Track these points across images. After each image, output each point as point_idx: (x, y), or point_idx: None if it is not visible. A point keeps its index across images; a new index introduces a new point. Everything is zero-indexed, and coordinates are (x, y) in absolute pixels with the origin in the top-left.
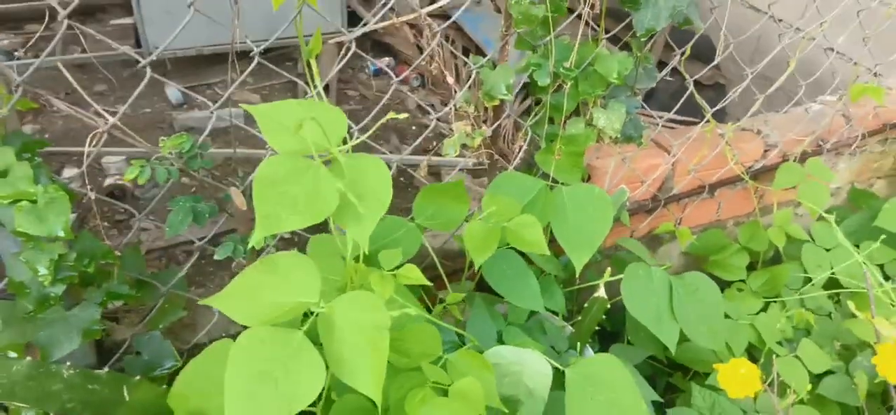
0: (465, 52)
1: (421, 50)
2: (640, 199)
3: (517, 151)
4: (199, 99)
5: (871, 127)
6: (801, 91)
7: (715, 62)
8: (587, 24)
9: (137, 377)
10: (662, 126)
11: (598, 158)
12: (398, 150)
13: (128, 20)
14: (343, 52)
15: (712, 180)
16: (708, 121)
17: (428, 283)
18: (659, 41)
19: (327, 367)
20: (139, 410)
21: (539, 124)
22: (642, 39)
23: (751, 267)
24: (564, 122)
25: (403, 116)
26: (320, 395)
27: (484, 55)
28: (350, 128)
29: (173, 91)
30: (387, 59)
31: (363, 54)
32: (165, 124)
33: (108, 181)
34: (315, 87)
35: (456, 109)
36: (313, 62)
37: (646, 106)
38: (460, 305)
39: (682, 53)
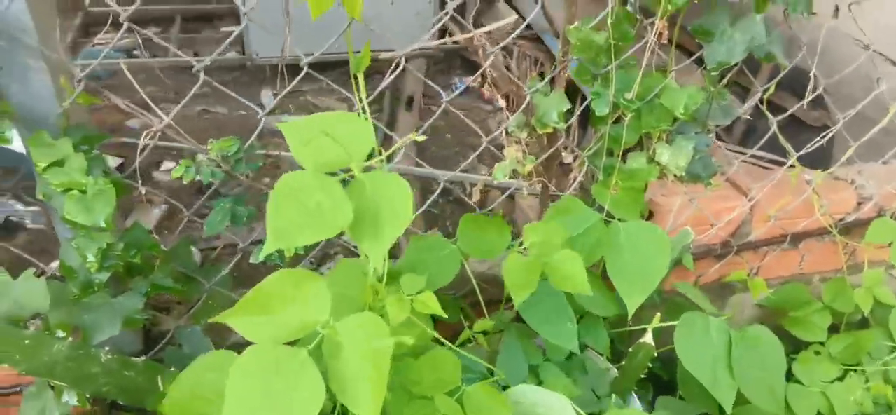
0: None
1: (508, 69)
2: (710, 242)
3: (572, 181)
4: (289, 105)
5: None
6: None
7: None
8: (658, 50)
9: (173, 369)
10: (755, 165)
11: (663, 195)
12: (475, 169)
13: (237, 28)
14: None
15: (796, 230)
16: (792, 165)
17: (444, 314)
18: (763, 72)
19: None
20: None
21: (597, 155)
22: (713, 73)
23: (833, 329)
24: (624, 155)
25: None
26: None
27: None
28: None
29: (267, 96)
30: (471, 77)
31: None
32: (254, 127)
33: (199, 177)
34: (361, 100)
35: (508, 133)
36: (360, 76)
37: (719, 139)
38: (495, 335)
39: (765, 90)
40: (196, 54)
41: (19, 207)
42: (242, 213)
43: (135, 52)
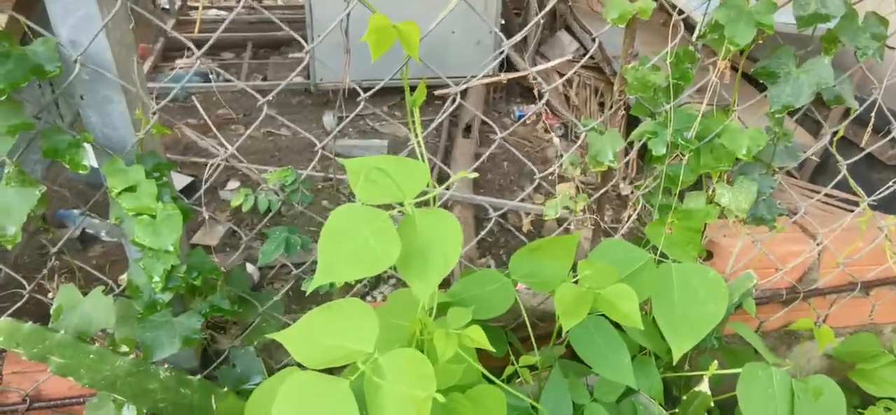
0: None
1: (568, 100)
2: (775, 287)
3: (626, 219)
4: (350, 130)
5: None
6: None
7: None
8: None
9: (225, 389)
10: (826, 204)
11: (724, 236)
12: (531, 198)
13: (302, 54)
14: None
15: (867, 278)
16: (863, 210)
17: (491, 348)
18: (836, 110)
19: None
20: None
21: (653, 194)
22: (777, 116)
23: None
24: (681, 194)
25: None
26: None
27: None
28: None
29: (329, 119)
30: (533, 106)
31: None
32: (317, 149)
33: (263, 197)
34: (416, 134)
35: (561, 171)
36: (416, 111)
37: (790, 174)
38: (543, 372)
39: (835, 133)
40: (264, 78)
41: (96, 220)
42: (296, 242)
43: (210, 77)
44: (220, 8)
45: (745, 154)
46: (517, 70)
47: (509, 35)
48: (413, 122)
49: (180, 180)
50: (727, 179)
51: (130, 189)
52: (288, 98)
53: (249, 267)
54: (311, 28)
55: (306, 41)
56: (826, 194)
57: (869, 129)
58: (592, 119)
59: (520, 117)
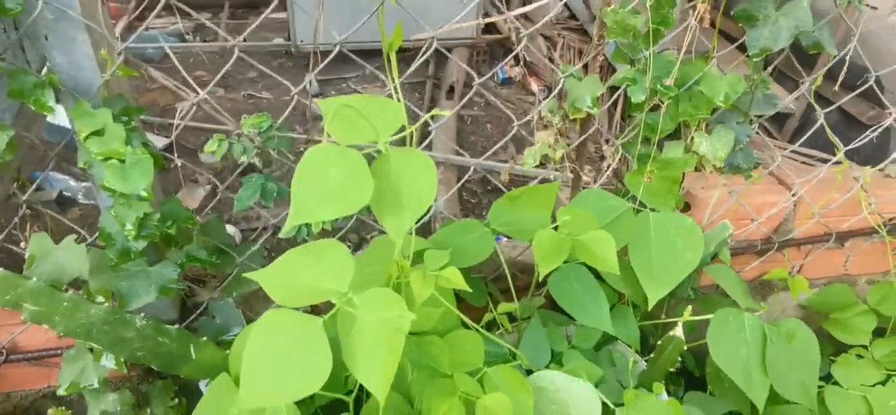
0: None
1: (553, 62)
2: (750, 238)
3: (605, 168)
4: (331, 92)
5: None
6: None
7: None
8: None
9: (204, 338)
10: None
11: (702, 188)
12: (514, 159)
13: (282, 14)
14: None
15: (842, 228)
16: (839, 161)
17: (468, 288)
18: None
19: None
20: (203, 368)
21: (632, 143)
22: (757, 60)
23: (878, 333)
24: (660, 143)
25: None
26: (354, 390)
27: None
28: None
29: (312, 82)
30: (517, 68)
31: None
32: (299, 111)
33: (243, 159)
34: (393, 80)
35: (541, 118)
36: (393, 56)
37: (770, 135)
38: (523, 322)
39: (813, 81)
40: (244, 39)
41: (72, 183)
42: (272, 189)
43: (186, 37)
44: None
45: (724, 100)
46: (499, 32)
47: None
48: (389, 67)
49: (157, 142)
50: (705, 128)
51: (98, 133)
52: (268, 60)
53: (231, 228)
54: None
55: (287, 2)
56: (805, 153)
57: (840, 78)
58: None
59: (504, 80)
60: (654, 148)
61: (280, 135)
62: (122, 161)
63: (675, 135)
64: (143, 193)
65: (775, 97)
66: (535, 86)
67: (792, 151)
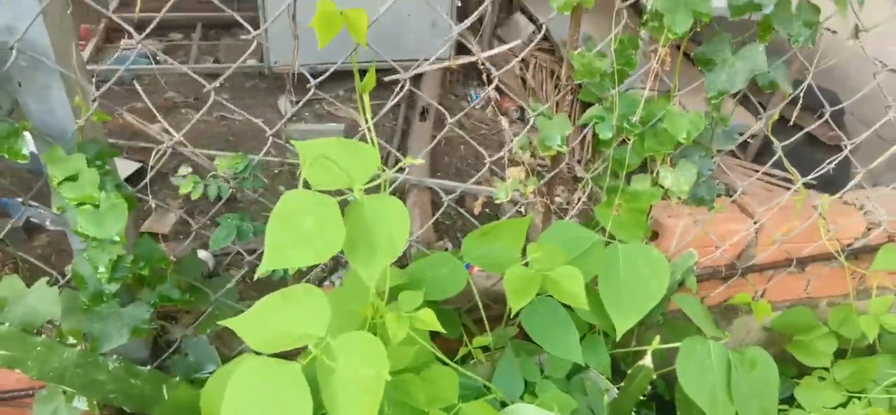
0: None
1: (525, 82)
2: (715, 264)
3: (576, 201)
4: (305, 113)
5: None
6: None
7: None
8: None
9: (177, 378)
10: (769, 184)
11: (669, 216)
12: (490, 182)
13: (255, 35)
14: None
15: (802, 254)
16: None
17: (442, 329)
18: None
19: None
20: (175, 409)
21: (601, 177)
22: (714, 101)
23: (840, 354)
24: (628, 177)
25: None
26: None
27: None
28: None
29: (284, 103)
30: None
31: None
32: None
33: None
34: (366, 120)
35: (511, 155)
36: (366, 97)
37: (734, 155)
38: (496, 352)
39: (770, 117)
40: (216, 61)
41: (41, 210)
42: (248, 229)
43: (158, 59)
44: None
45: (686, 138)
46: (471, 53)
47: (466, 16)
48: (363, 107)
49: (127, 166)
50: (670, 162)
51: (72, 178)
52: (241, 81)
53: (203, 254)
54: (263, 8)
55: (259, 22)
56: (768, 174)
57: (796, 110)
58: (546, 102)
59: (476, 100)
60: (623, 181)
61: (257, 173)
62: (96, 206)
63: (642, 167)
64: (117, 238)
65: (734, 133)
66: (507, 109)
67: (755, 170)
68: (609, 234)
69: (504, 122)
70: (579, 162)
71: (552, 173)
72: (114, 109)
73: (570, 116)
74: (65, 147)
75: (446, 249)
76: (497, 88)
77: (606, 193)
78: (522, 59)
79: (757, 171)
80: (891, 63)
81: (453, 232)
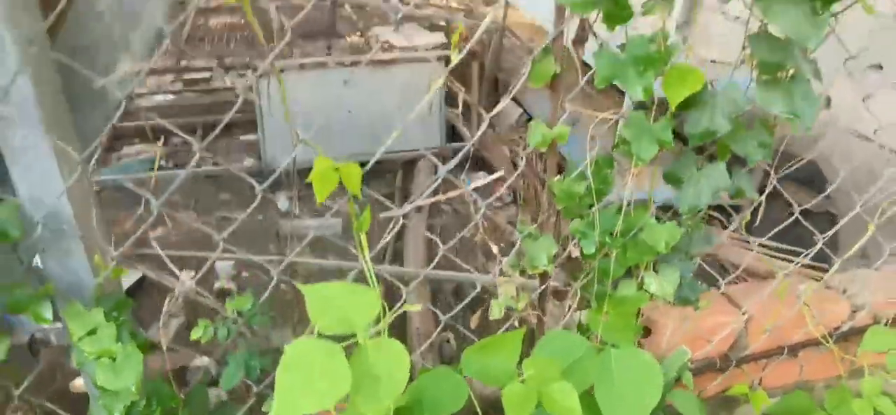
0: (559, 170)
1: (515, 166)
2: (710, 356)
3: (567, 309)
4: (303, 209)
5: None
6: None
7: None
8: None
9: None
10: (764, 254)
11: (659, 313)
12: (484, 267)
13: (253, 136)
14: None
15: (793, 341)
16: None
17: None
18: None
19: None
20: None
21: (589, 285)
22: (686, 215)
23: None
24: (615, 283)
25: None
26: None
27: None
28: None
29: (283, 201)
30: (482, 173)
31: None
32: (273, 231)
33: (217, 284)
34: (365, 261)
35: (502, 272)
36: (363, 238)
37: (723, 226)
38: None
39: (748, 213)
40: (216, 163)
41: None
42: (256, 365)
43: (161, 163)
44: (167, 92)
45: (664, 248)
46: (461, 139)
47: (452, 102)
48: (360, 244)
49: (129, 277)
50: (654, 267)
51: (91, 333)
52: (241, 182)
53: (206, 360)
54: (261, 114)
55: (257, 125)
56: (763, 246)
57: (769, 186)
58: (534, 192)
59: (469, 185)
60: (610, 288)
61: (261, 311)
62: (113, 359)
63: (627, 274)
64: (133, 388)
65: (711, 235)
66: (500, 195)
67: (743, 241)
68: (601, 339)
69: (478, 203)
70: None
71: (540, 289)
72: (116, 215)
73: (556, 226)
74: (84, 302)
75: (447, 341)
76: (489, 172)
77: (595, 299)
78: (512, 141)
79: (748, 242)
80: (865, 131)
81: (452, 320)
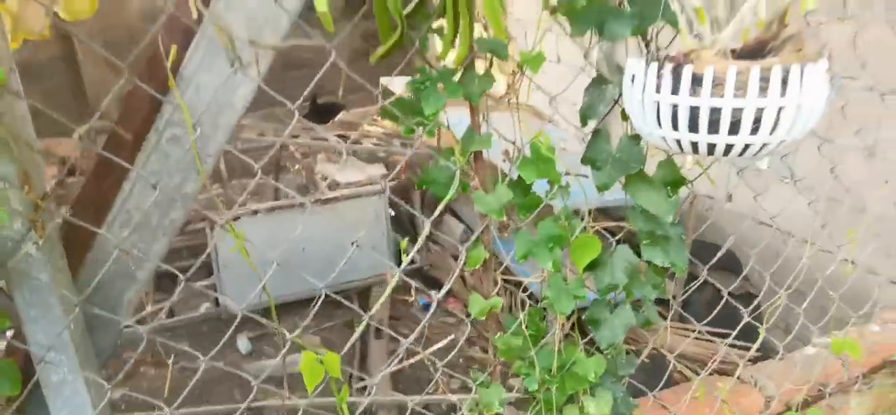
0: (511, 283)
1: (465, 280)
2: None
3: None
4: (266, 348)
5: (870, 365)
6: (797, 325)
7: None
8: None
9: None
10: (694, 341)
11: None
12: (447, 384)
13: (208, 281)
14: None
15: None
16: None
17: None
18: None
19: None
20: None
21: (539, 411)
22: (607, 350)
23: None
24: (559, 411)
25: None
26: None
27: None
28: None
29: (243, 342)
30: (433, 291)
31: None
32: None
33: None
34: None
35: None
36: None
37: (662, 315)
38: None
39: (666, 328)
40: (172, 313)
41: None
42: None
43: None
44: None
45: (594, 377)
46: (413, 262)
47: (399, 225)
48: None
49: None
50: (591, 392)
51: None
52: (198, 326)
53: None
54: (217, 258)
55: (212, 269)
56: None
57: (700, 279)
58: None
59: (425, 305)
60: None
61: None
62: None
63: (570, 400)
64: None
65: (634, 359)
66: (453, 309)
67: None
68: None
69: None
70: None
71: None
72: None
73: (504, 368)
74: None
75: None
76: (439, 289)
77: None
78: (456, 258)
79: (686, 330)
80: (763, 218)
81: None
